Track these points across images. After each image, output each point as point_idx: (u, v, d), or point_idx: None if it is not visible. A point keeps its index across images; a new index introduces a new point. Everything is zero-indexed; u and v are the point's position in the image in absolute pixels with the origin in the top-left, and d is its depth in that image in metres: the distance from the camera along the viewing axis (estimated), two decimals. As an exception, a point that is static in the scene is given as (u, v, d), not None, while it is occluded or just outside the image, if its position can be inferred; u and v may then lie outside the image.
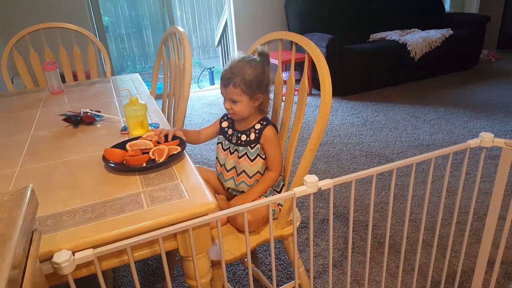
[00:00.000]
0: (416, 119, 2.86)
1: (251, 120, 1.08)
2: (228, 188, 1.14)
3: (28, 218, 0.52)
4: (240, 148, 1.08)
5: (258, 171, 1.09)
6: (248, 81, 1.00)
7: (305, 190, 0.81)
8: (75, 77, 1.95)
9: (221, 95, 1.06)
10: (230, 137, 1.11)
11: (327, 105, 0.95)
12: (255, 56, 1.05)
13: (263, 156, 1.07)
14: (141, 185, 0.84)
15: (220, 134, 1.15)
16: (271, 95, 1.11)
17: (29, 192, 0.55)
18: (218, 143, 1.15)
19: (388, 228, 0.96)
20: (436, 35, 3.66)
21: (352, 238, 1.61)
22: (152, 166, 0.90)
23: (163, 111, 1.57)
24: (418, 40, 3.57)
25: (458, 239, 1.57)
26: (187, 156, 0.97)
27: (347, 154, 2.38)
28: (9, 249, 0.44)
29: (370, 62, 3.45)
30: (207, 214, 0.75)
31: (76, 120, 1.22)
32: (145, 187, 0.83)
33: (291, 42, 1.09)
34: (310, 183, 0.81)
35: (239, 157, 1.09)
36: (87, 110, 1.26)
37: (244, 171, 1.09)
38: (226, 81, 1.01)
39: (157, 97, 1.63)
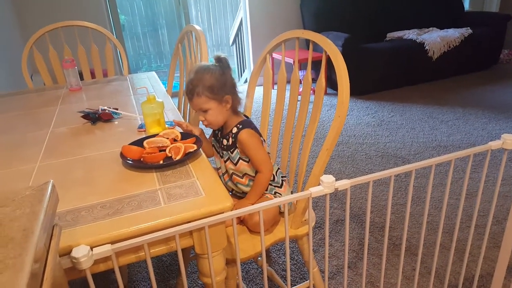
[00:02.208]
0: (433, 120, 2.80)
1: (230, 124, 1.07)
2: (232, 189, 1.14)
3: (49, 213, 0.52)
4: (224, 152, 1.09)
5: (246, 173, 1.08)
6: (209, 86, 0.99)
7: (321, 191, 0.81)
8: (92, 75, 1.98)
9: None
10: (218, 141, 1.12)
11: (344, 104, 0.94)
12: (211, 63, 1.05)
13: (246, 159, 1.07)
14: (158, 182, 0.85)
15: (212, 136, 1.15)
16: (244, 96, 1.09)
17: (50, 188, 0.56)
18: (212, 145, 1.15)
19: (405, 231, 0.94)
20: (454, 34, 3.58)
21: (368, 240, 1.58)
22: (169, 164, 0.90)
23: (179, 109, 1.58)
24: (436, 39, 3.50)
25: (476, 242, 1.53)
26: (204, 154, 0.97)
27: (363, 154, 2.35)
28: (31, 243, 0.45)
29: (387, 61, 3.40)
30: (223, 213, 0.75)
31: (94, 117, 1.23)
32: (162, 184, 0.84)
33: (307, 41, 1.08)
34: (327, 183, 0.80)
35: (225, 161, 1.09)
36: (105, 107, 1.27)
37: (233, 173, 1.09)
38: (190, 93, 1.01)
39: (173, 96, 1.64)
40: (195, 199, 0.78)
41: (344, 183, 0.83)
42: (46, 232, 0.50)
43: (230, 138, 1.06)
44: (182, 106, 1.60)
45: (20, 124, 1.29)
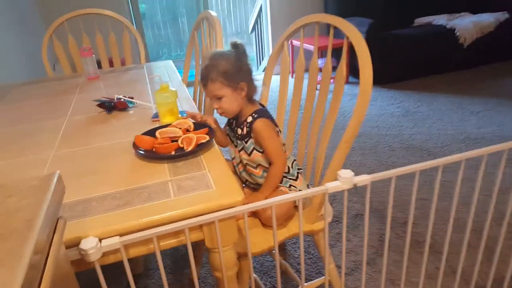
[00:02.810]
0: (463, 111, 2.66)
1: (245, 112, 1.03)
2: (246, 180, 1.11)
3: (53, 205, 0.51)
4: (238, 141, 1.05)
5: (260, 164, 1.05)
6: (224, 71, 0.95)
7: (338, 186, 0.76)
8: (110, 63, 1.98)
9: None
10: (233, 130, 1.08)
11: (366, 93, 0.88)
12: (227, 49, 1.00)
13: (261, 150, 1.03)
14: (169, 173, 0.83)
15: (227, 125, 1.12)
16: (260, 84, 1.05)
17: (55, 179, 0.54)
18: (227, 135, 1.12)
19: (430, 228, 0.88)
20: (489, 19, 3.37)
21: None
22: (181, 155, 0.88)
23: (194, 99, 1.56)
24: (468, 24, 3.30)
25: (507, 242, 1.44)
26: (216, 145, 0.94)
27: (385, 146, 2.26)
28: (32, 234, 0.43)
29: (414, 48, 3.24)
30: (233, 207, 0.72)
31: (110, 106, 1.23)
32: (173, 176, 0.82)
33: (328, 27, 1.02)
34: (345, 179, 0.76)
35: (239, 151, 1.06)
36: (121, 96, 1.26)
37: (247, 163, 1.06)
38: (204, 79, 0.97)
39: (189, 85, 1.62)
40: (205, 192, 0.75)
41: (363, 179, 0.78)
42: (49, 224, 0.49)
43: (245, 127, 1.02)
44: (198, 95, 1.57)
45: (38, 112, 1.30)
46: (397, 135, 2.38)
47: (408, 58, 3.27)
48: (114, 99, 1.25)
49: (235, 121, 1.07)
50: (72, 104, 1.35)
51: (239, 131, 1.04)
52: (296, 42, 3.40)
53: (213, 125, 1.00)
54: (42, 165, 0.92)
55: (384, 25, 3.08)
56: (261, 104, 1.07)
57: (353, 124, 0.90)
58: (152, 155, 0.89)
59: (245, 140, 1.03)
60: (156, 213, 0.70)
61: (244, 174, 1.10)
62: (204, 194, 0.74)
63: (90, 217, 0.70)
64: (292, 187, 1.06)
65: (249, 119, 1.01)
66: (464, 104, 2.77)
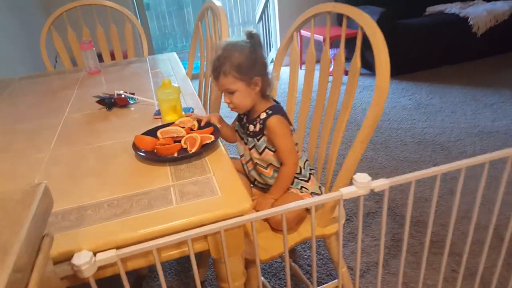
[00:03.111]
0: (476, 103, 2.56)
1: (259, 108, 0.96)
2: (255, 180, 1.05)
3: (36, 224, 0.45)
4: (249, 139, 0.99)
5: (270, 163, 0.98)
6: (237, 64, 0.88)
7: (354, 192, 0.70)
8: (112, 56, 1.92)
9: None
10: (243, 126, 1.01)
11: (383, 90, 0.81)
12: (241, 40, 0.92)
13: (273, 149, 0.96)
14: (171, 177, 0.77)
15: (237, 120, 1.05)
16: (274, 77, 0.98)
17: (41, 192, 0.49)
18: (236, 131, 1.05)
19: (450, 231, 0.82)
20: (503, 7, 3.23)
21: (400, 234, 1.47)
22: (184, 157, 0.82)
23: (199, 93, 1.49)
24: (482, 13, 3.17)
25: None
26: (222, 146, 0.88)
27: (397, 140, 2.18)
28: (8, 263, 0.38)
29: (426, 38, 3.12)
30: (241, 215, 0.66)
31: (110, 103, 1.17)
32: (175, 180, 0.76)
33: (340, 17, 0.94)
34: (361, 184, 0.69)
35: (250, 149, 0.99)
36: (121, 92, 1.20)
37: (257, 163, 1.00)
38: (216, 72, 0.90)
39: (194, 78, 1.55)
40: (210, 199, 0.69)
41: (381, 183, 0.71)
42: (31, 246, 0.43)
43: (258, 124, 0.95)
44: (203, 88, 1.50)
45: (35, 109, 1.25)
46: (409, 129, 2.30)
47: (420, 48, 3.15)
48: (114, 95, 1.19)
49: (246, 117, 1.01)
50: (71, 100, 1.29)
51: (251, 127, 0.97)
52: (304, 33, 3.30)
53: (218, 124, 0.94)
54: (37, 167, 0.87)
55: (395, 14, 2.97)
56: (274, 100, 1.00)
57: (369, 123, 0.83)
58: (153, 157, 0.83)
59: (257, 137, 0.96)
60: (157, 223, 0.65)
61: (253, 173, 1.04)
62: (209, 202, 0.68)
63: (84, 227, 0.65)
64: (303, 189, 1.00)
65: (263, 115, 0.94)
66: (477, 96, 2.67)
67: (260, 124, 0.95)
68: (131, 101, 1.19)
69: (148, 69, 1.58)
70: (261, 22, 3.98)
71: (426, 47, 3.16)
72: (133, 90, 1.27)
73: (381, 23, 3.23)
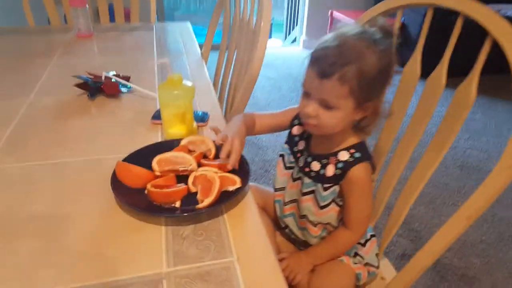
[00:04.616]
0: (526, 124, 2.24)
1: (338, 141, 0.64)
2: (286, 226, 0.75)
3: None
4: (306, 180, 0.66)
5: (328, 223, 0.68)
6: (366, 73, 0.55)
7: None
8: (111, 16, 1.56)
9: (302, 85, 0.60)
10: (299, 155, 0.69)
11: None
12: (377, 34, 0.58)
13: (340, 203, 0.65)
14: (165, 255, 0.46)
15: (286, 142, 0.73)
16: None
17: None
18: (280, 156, 0.73)
19: None
20: None
21: (440, 290, 1.19)
22: (190, 213, 0.51)
23: (214, 84, 1.15)
24: (542, 18, 2.77)
25: None
26: (251, 197, 0.56)
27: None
28: None
29: (473, 40, 2.73)
30: None
31: (94, 88, 0.84)
32: (172, 265, 0.45)
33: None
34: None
35: (303, 193, 0.67)
36: (111, 74, 0.87)
37: (306, 216, 0.68)
38: (328, 67, 0.55)
39: (212, 48, 1.20)
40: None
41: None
42: None
43: (332, 166, 0.63)
44: (219, 82, 1.15)
45: (-4, 81, 0.92)
46: (450, 148, 1.97)
47: (465, 52, 2.77)
48: (101, 77, 0.86)
49: (306, 142, 0.68)
50: (44, 73, 0.96)
51: (316, 166, 0.64)
52: (338, 15, 2.88)
53: (241, 144, 0.61)
54: (-39, 192, 0.55)
55: (440, 12, 2.57)
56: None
57: (491, 190, 0.52)
58: (140, 206, 0.52)
59: (325, 185, 0.64)
60: None
61: (289, 221, 0.73)
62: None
63: None
64: (358, 256, 0.70)
65: (344, 156, 0.62)
66: (527, 115, 2.34)
67: (337, 168, 0.62)
68: (123, 90, 0.87)
69: (153, 41, 1.23)
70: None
71: (472, 50, 2.77)
72: (129, 71, 0.93)
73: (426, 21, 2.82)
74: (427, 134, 0.69)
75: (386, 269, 0.75)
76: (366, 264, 0.70)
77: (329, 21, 2.94)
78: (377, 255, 0.73)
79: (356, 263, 0.69)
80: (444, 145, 0.65)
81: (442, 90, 0.68)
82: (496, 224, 1.47)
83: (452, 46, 0.66)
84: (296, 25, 3.41)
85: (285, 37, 3.59)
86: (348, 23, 0.59)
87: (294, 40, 3.47)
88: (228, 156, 0.57)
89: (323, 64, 0.55)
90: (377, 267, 0.72)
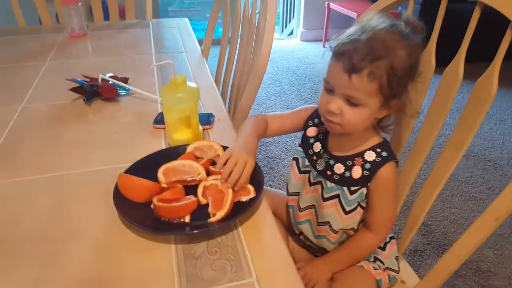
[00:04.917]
0: (530, 112, 2.20)
1: (360, 140, 0.59)
2: (301, 233, 0.70)
3: None
4: (329, 184, 0.61)
5: (352, 228, 0.64)
6: (398, 73, 0.51)
7: None
8: (105, 14, 1.50)
9: (325, 81, 0.56)
10: (316, 158, 0.64)
11: None
12: (406, 28, 0.54)
13: (364, 205, 0.61)
14: (178, 277, 0.42)
15: (300, 145, 0.68)
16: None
17: None
18: (293, 159, 0.68)
19: None
20: None
21: (456, 287, 1.16)
22: (200, 230, 0.47)
23: (216, 81, 1.10)
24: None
25: None
26: (266, 206, 0.52)
27: (441, 151, 1.82)
28: None
29: (482, 25, 2.67)
30: None
31: (90, 92, 0.79)
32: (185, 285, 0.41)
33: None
34: None
35: (324, 199, 0.62)
36: (107, 76, 0.82)
37: (328, 222, 0.63)
38: (357, 62, 0.50)
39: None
40: None
41: None
42: None
43: (359, 168, 0.59)
44: (221, 80, 1.11)
45: (-15, 87, 0.87)
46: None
47: (477, 37, 2.71)
48: (98, 80, 0.81)
49: (322, 144, 0.63)
50: (36, 79, 0.90)
51: (340, 168, 0.60)
52: (334, 6, 2.82)
53: (255, 150, 0.57)
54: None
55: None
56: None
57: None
58: (146, 225, 0.47)
59: (352, 188, 0.59)
60: None
61: (304, 228, 0.68)
62: None
63: None
64: (378, 261, 0.66)
65: (370, 156, 0.58)
66: (531, 102, 2.30)
67: (364, 169, 0.58)
68: (121, 92, 0.82)
69: (150, 38, 1.18)
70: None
71: (484, 35, 2.71)
72: (126, 72, 0.88)
73: (426, 4, 2.76)
74: (445, 126, 0.65)
75: (405, 271, 0.71)
76: (386, 268, 0.66)
77: (326, 13, 2.88)
78: (396, 258, 0.69)
79: (376, 269, 0.65)
80: (464, 143, 0.62)
81: (459, 84, 0.63)
82: (508, 217, 1.43)
83: (469, 39, 0.61)
84: (293, 17, 3.34)
85: (282, 30, 3.52)
86: (372, 16, 0.55)
87: (291, 33, 3.41)
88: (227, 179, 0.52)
89: (351, 58, 0.50)
90: (398, 271, 0.68)
